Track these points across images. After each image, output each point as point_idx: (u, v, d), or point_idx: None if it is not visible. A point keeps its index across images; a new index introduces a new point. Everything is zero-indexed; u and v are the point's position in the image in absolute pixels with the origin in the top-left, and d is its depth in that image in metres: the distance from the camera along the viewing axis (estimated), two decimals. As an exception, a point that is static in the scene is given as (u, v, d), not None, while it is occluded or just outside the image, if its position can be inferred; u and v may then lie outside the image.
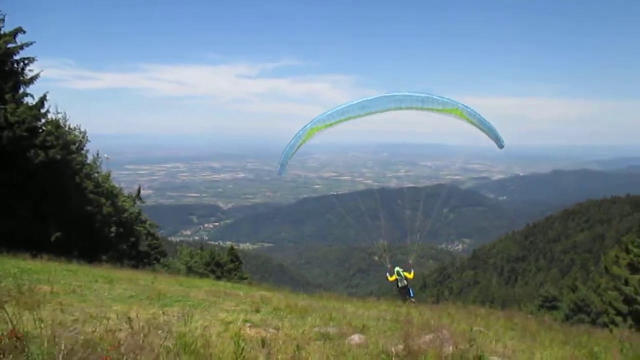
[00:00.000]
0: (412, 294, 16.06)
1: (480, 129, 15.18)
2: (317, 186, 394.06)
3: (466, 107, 14.53)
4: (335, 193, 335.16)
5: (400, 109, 14.47)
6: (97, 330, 6.66)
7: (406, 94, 14.40)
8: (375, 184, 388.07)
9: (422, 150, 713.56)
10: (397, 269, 15.98)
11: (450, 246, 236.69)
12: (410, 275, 16.17)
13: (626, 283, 30.55)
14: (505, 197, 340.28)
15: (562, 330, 14.27)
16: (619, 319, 29.63)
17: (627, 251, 31.54)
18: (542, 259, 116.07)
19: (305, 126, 15.49)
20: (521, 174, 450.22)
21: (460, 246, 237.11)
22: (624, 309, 29.90)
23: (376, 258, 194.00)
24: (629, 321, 28.90)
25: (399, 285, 15.88)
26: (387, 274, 16.27)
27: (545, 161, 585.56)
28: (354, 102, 14.53)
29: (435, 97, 14.19)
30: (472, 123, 14.78)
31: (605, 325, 28.34)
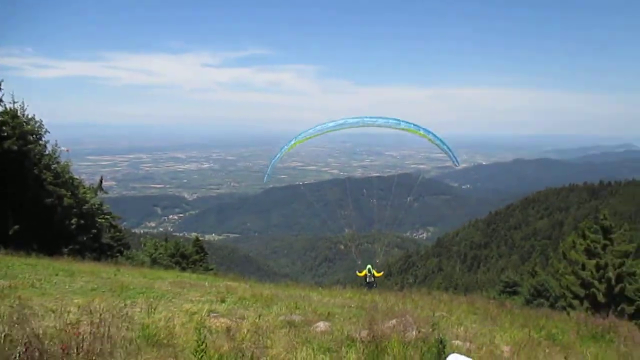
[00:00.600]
0: (374, 286, 16.73)
1: (440, 148, 17.50)
2: (283, 176, 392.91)
3: (428, 131, 16.87)
4: (301, 183, 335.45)
5: (374, 125, 16.58)
6: (57, 324, 6.52)
7: (381, 118, 16.50)
8: (341, 173, 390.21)
9: (385, 140, 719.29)
10: (368, 266, 16.71)
11: (414, 234, 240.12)
12: (379, 274, 17.00)
13: (583, 268, 31.60)
14: (468, 186, 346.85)
15: (522, 313, 14.68)
16: (576, 302, 30.66)
17: (584, 237, 32.58)
18: (504, 245, 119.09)
19: (289, 141, 16.88)
20: (484, 163, 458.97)
21: (424, 234, 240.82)
22: (581, 292, 30.94)
23: (342, 247, 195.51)
24: (586, 304, 29.96)
25: (367, 280, 16.69)
26: (357, 270, 17.19)
27: (508, 150, 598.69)
28: (337, 122, 16.47)
29: (404, 122, 16.40)
30: (432, 142, 17.13)
31: (563, 308, 29.31)
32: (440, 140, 16.86)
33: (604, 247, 31.64)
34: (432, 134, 16.66)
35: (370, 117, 16.31)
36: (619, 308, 29.66)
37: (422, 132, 16.72)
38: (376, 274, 16.85)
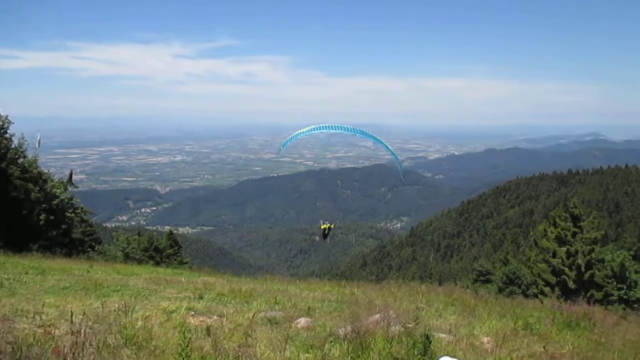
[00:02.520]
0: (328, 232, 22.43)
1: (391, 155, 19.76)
2: (257, 168, 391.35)
3: (384, 143, 19.02)
4: (275, 175, 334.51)
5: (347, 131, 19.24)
6: (30, 327, 6.27)
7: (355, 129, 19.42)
8: (316, 165, 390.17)
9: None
10: (326, 224, 22.09)
11: (389, 225, 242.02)
12: (332, 225, 22.52)
13: (554, 255, 32.26)
14: (441, 176, 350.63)
15: (498, 302, 14.85)
16: (547, 289, 31.31)
17: (555, 225, 33.24)
18: (476, 234, 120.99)
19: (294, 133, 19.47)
20: (456, 153, 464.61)
21: (398, 224, 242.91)
22: (552, 279, 31.60)
23: (317, 238, 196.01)
24: (557, 291, 30.61)
25: (325, 231, 22.00)
26: (321, 221, 22.19)
27: (479, 140, 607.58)
28: (325, 125, 19.06)
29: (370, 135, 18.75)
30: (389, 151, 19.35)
31: (535, 295, 29.88)
32: (392, 152, 19.33)
33: (574, 234, 32.35)
34: (383, 144, 18.95)
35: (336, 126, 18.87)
36: (588, 294, 30.42)
37: (373, 140, 19.13)
38: (330, 226, 22.30)
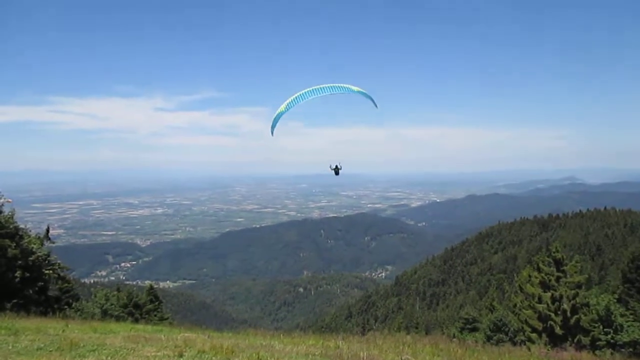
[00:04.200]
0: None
1: (366, 96, 23.19)
2: (239, 219, 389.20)
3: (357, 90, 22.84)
4: (258, 226, 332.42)
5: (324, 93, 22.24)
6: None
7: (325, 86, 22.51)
8: (299, 215, 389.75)
9: (341, 180, 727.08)
10: (335, 165, 25.06)
11: (373, 274, 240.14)
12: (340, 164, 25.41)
13: (539, 300, 32.14)
14: (424, 223, 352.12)
15: (485, 351, 14.64)
16: (534, 335, 30.98)
17: (539, 270, 33.29)
18: (461, 281, 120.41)
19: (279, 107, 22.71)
20: (438, 200, 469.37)
21: (383, 273, 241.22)
22: (539, 325, 31.35)
23: (301, 290, 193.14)
24: (544, 337, 30.32)
25: (336, 171, 25.21)
26: (330, 166, 24.95)
27: (460, 186, 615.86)
28: (303, 92, 22.32)
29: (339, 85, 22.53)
30: (361, 93, 22.95)
31: (523, 342, 29.54)
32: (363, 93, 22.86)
33: (558, 279, 32.38)
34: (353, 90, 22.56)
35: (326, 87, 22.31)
36: (576, 339, 30.17)
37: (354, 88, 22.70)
38: (338, 167, 25.14)
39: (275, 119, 22.75)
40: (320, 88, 22.08)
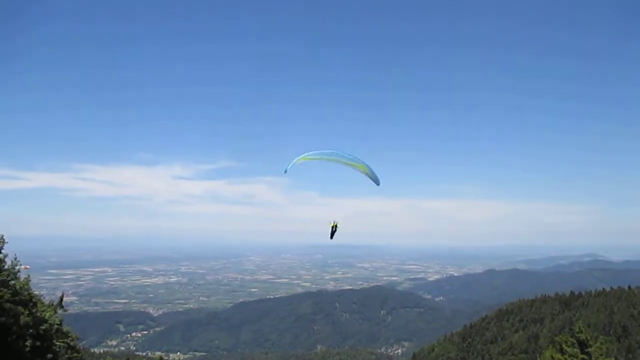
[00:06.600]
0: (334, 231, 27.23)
1: (368, 175, 26.17)
2: (253, 289, 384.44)
3: (365, 163, 26.12)
4: (272, 296, 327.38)
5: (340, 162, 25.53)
6: None
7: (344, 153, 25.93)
8: (313, 286, 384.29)
9: (356, 252, 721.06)
10: (334, 222, 26.67)
11: (389, 350, 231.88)
12: (338, 223, 27.16)
13: (564, 385, 30.69)
14: (442, 298, 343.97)
15: None
16: (560, 423, 29.36)
17: (562, 352, 32.06)
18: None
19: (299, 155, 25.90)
20: (456, 274, 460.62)
21: (399, 350, 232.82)
22: (564, 412, 29.77)
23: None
24: None
25: (333, 229, 26.72)
26: (329, 222, 26.72)
27: (478, 260, 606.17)
28: (326, 151, 25.74)
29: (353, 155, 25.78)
30: (366, 173, 26.12)
31: None
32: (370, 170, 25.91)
33: (583, 362, 31.05)
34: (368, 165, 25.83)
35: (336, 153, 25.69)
36: None
37: (363, 165, 25.76)
38: (336, 224, 26.89)
39: (293, 162, 25.67)
40: (334, 152, 25.25)
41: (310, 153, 25.42)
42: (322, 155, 25.12)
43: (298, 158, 25.18)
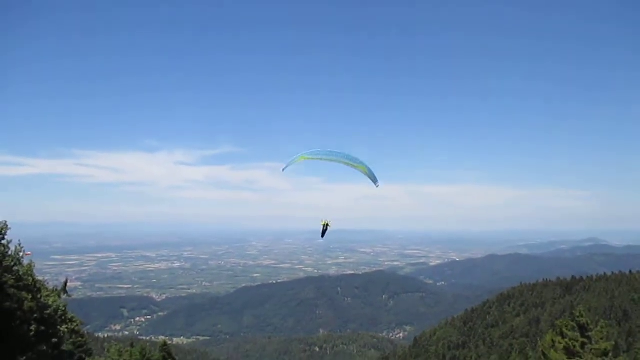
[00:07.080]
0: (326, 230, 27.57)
1: (367, 175, 26.47)
2: (256, 275, 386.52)
3: (366, 164, 26.31)
4: (274, 282, 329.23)
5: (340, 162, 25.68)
6: None
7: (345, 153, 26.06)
8: (316, 271, 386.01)
9: (358, 237, 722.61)
10: (326, 220, 27.08)
11: (391, 334, 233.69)
12: (329, 222, 27.54)
13: (564, 368, 30.88)
14: (443, 283, 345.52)
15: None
16: (559, 405, 29.61)
17: (563, 335, 32.19)
18: (482, 344, 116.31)
19: (298, 154, 25.87)
20: (457, 259, 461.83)
21: (401, 334, 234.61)
22: (564, 395, 29.99)
23: (317, 349, 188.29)
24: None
25: (324, 228, 27.08)
26: (321, 221, 27.09)
27: (479, 245, 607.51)
28: (326, 151, 25.90)
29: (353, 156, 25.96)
30: (365, 173, 26.38)
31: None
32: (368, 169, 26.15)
33: (583, 345, 31.21)
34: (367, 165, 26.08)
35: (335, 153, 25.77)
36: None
37: (363, 165, 25.98)
38: (328, 224, 27.29)
39: (292, 160, 25.74)
40: (334, 152, 25.50)
41: (310, 152, 25.65)
42: (322, 155, 25.51)
43: (298, 157, 25.37)
